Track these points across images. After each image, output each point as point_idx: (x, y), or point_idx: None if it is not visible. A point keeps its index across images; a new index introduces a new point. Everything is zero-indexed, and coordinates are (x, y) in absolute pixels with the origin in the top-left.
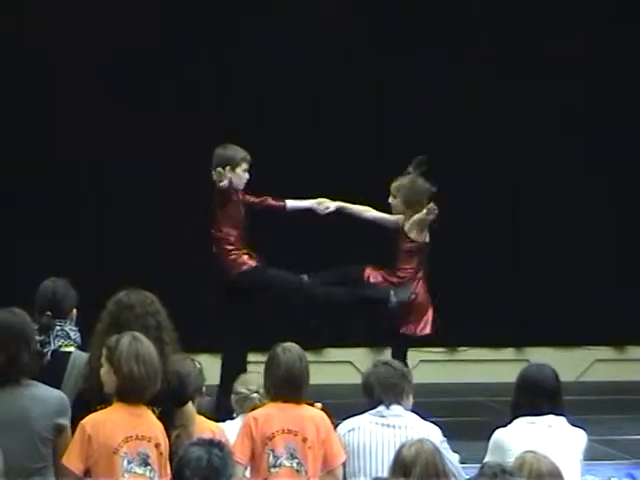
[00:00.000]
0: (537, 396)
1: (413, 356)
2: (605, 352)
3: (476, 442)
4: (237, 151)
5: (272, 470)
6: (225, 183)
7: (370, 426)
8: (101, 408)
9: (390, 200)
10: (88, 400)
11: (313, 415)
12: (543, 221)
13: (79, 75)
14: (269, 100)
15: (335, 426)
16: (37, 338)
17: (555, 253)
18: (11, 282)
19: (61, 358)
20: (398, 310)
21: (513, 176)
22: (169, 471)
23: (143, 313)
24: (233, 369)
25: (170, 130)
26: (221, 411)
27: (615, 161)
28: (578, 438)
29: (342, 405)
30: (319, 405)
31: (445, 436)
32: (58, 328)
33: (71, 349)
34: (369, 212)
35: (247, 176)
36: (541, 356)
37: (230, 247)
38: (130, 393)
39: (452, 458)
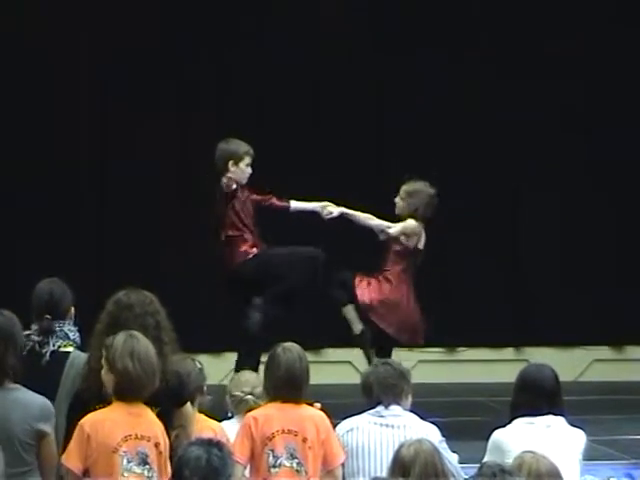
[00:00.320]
0: (536, 396)
1: (412, 356)
2: (604, 352)
3: (475, 442)
4: (240, 145)
5: (272, 470)
6: (233, 186)
7: (369, 426)
8: (100, 408)
9: (396, 200)
10: (86, 400)
11: (313, 415)
12: (543, 221)
13: (79, 75)
14: (269, 100)
15: (334, 426)
16: (36, 338)
17: (555, 253)
18: (11, 282)
19: (60, 358)
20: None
21: (513, 176)
22: (170, 470)
23: (142, 313)
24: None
25: (170, 130)
26: None
27: (615, 161)
28: (577, 438)
29: (341, 405)
30: (318, 405)
31: (444, 436)
32: (58, 329)
33: (70, 349)
34: (371, 220)
35: (250, 170)
36: (540, 356)
37: (237, 242)
38: (127, 391)
39: (451, 458)
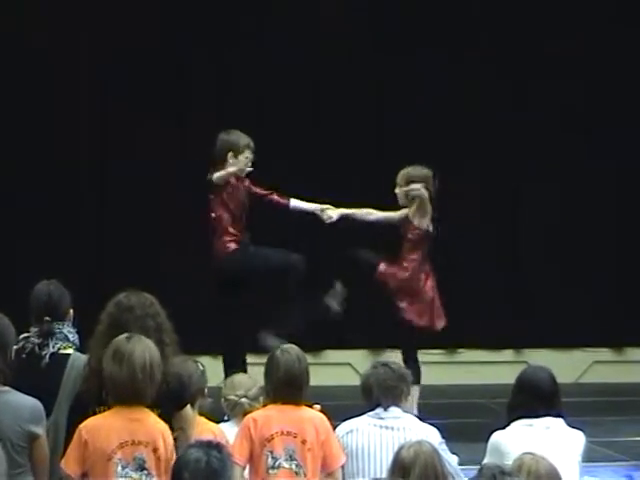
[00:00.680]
0: (533, 398)
1: None
2: (604, 354)
3: (475, 444)
4: (240, 137)
5: (271, 472)
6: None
7: (369, 428)
8: (100, 410)
9: (396, 190)
10: (87, 402)
11: (313, 417)
12: (543, 221)
13: (79, 75)
14: (269, 100)
15: (334, 428)
16: (35, 341)
17: (555, 254)
18: (11, 282)
19: (60, 360)
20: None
21: (513, 176)
22: None
23: (143, 315)
24: (234, 368)
25: (170, 130)
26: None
27: (615, 161)
28: (576, 440)
29: (341, 407)
30: (318, 407)
31: (444, 438)
32: (57, 331)
33: (69, 351)
34: (372, 214)
35: (249, 164)
36: (540, 358)
37: (220, 232)
38: (117, 396)
39: (451, 460)
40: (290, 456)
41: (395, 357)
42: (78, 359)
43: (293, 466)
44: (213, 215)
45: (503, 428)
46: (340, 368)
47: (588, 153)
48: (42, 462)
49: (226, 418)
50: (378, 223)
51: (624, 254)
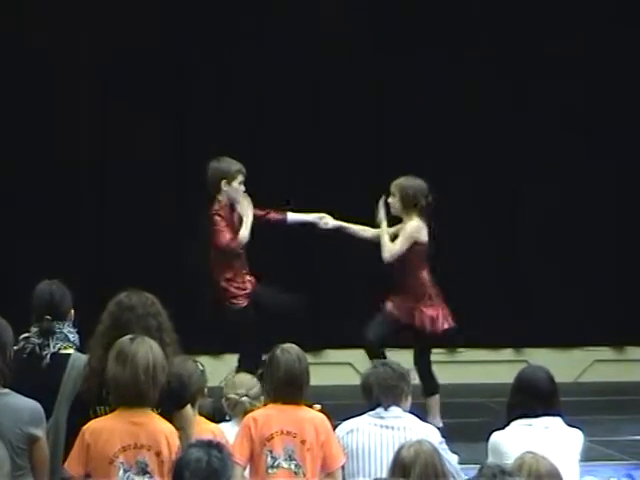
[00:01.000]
0: (532, 398)
1: (411, 358)
2: (604, 353)
3: (475, 443)
4: (231, 164)
5: (270, 471)
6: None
7: (369, 427)
8: (100, 409)
9: (390, 199)
10: (87, 402)
11: (313, 417)
12: (543, 221)
13: (79, 75)
14: (269, 100)
15: (334, 428)
16: (36, 341)
17: (555, 253)
18: (11, 282)
19: (60, 360)
20: None
21: (513, 176)
22: None
23: (144, 314)
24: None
25: (170, 130)
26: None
27: (615, 161)
28: (575, 438)
29: (341, 406)
30: (318, 406)
31: (444, 437)
32: (57, 330)
33: (70, 351)
34: (367, 231)
35: (243, 188)
36: (540, 357)
37: (226, 277)
38: (119, 399)
39: (451, 459)
40: (289, 456)
41: (394, 356)
42: (78, 359)
43: (292, 466)
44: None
45: (502, 428)
46: (340, 368)
47: (588, 153)
48: (42, 464)
49: (228, 418)
50: (373, 240)
51: (624, 253)
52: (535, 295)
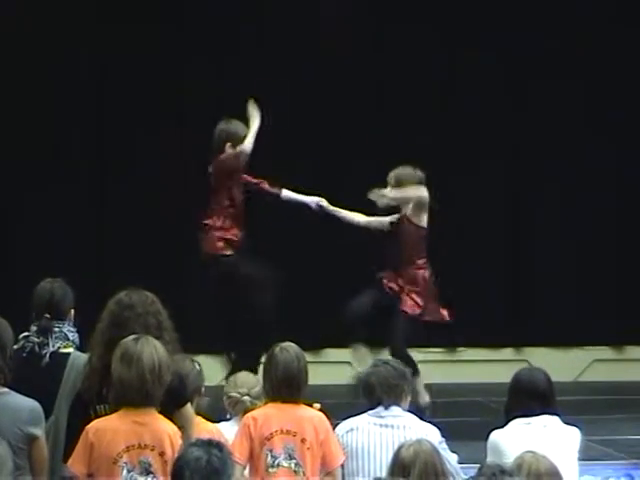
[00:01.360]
0: (529, 399)
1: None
2: (604, 352)
3: (475, 442)
4: (240, 128)
5: (270, 470)
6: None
7: (369, 427)
8: (100, 408)
9: (386, 190)
10: (87, 400)
11: (312, 416)
12: (542, 221)
13: (79, 75)
14: (269, 100)
15: (334, 427)
16: (35, 340)
17: (554, 253)
18: (11, 282)
19: (59, 359)
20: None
21: (513, 176)
22: None
23: (144, 313)
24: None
25: (170, 130)
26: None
27: (615, 161)
28: (573, 436)
29: (341, 405)
30: (318, 405)
31: (443, 436)
32: (56, 329)
33: (69, 350)
34: (359, 217)
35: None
36: (540, 356)
37: (215, 224)
38: (122, 399)
39: (451, 458)
40: (289, 455)
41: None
42: (78, 358)
43: (292, 465)
44: (213, 204)
45: (501, 427)
46: (340, 367)
47: (588, 153)
48: (41, 463)
49: (228, 417)
50: (368, 226)
51: (624, 253)
52: (535, 295)
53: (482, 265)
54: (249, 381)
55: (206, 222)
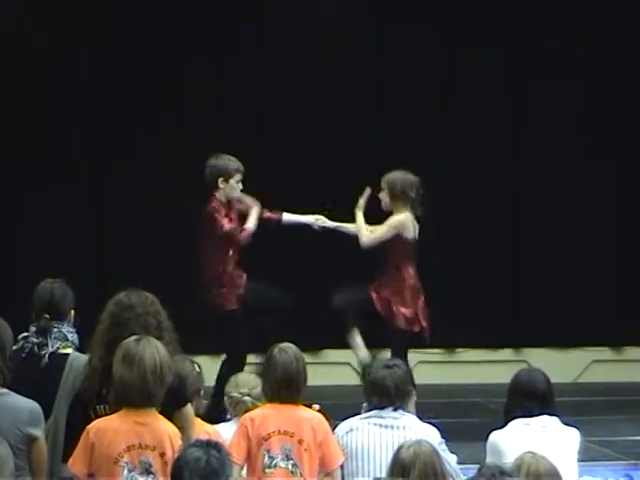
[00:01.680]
0: (528, 400)
1: (412, 357)
2: (603, 353)
3: (474, 443)
4: (229, 162)
5: (267, 470)
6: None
7: (368, 427)
8: (100, 409)
9: (381, 195)
10: (87, 401)
11: (310, 417)
12: (542, 221)
13: (79, 75)
14: (269, 100)
15: (333, 427)
16: (35, 340)
17: (553, 254)
18: (11, 282)
19: (59, 360)
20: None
21: (513, 176)
22: None
23: (143, 313)
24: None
25: (170, 130)
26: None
27: (615, 161)
28: (572, 437)
29: (340, 406)
30: (317, 406)
31: (443, 437)
32: (56, 330)
33: (69, 351)
34: (360, 229)
35: (240, 187)
36: (539, 357)
37: (225, 279)
38: (123, 399)
39: (450, 459)
40: (287, 455)
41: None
42: (77, 359)
43: (289, 466)
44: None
45: (501, 428)
46: (339, 367)
47: (588, 153)
48: (40, 464)
49: (228, 417)
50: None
51: (623, 253)
52: (534, 295)
53: (482, 265)
54: (250, 381)
55: (212, 272)
